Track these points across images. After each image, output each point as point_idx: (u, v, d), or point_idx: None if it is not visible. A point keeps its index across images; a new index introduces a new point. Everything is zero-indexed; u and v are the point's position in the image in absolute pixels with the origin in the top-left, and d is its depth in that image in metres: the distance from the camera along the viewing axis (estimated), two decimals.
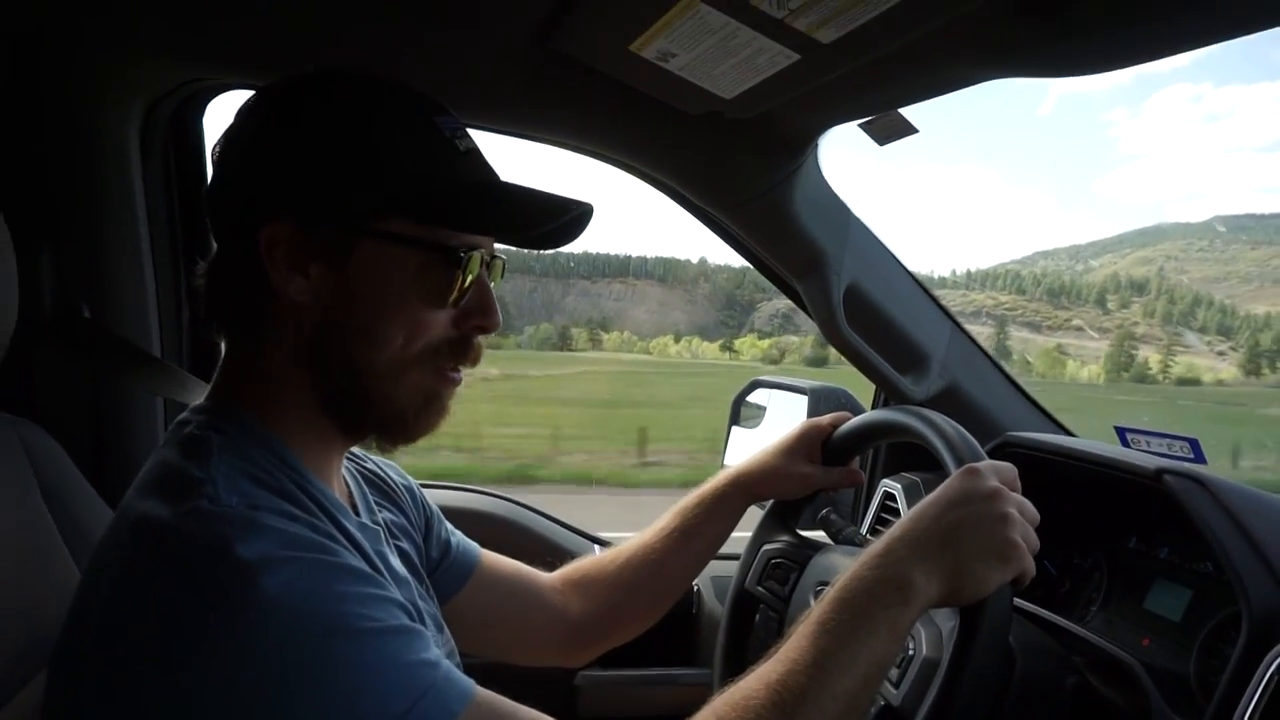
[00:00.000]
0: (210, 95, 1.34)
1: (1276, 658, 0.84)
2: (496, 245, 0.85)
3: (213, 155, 0.81)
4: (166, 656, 0.59)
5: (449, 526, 1.11)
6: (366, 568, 0.69)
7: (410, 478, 1.07)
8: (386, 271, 0.75)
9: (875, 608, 0.76)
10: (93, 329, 1.23)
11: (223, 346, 0.81)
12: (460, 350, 0.81)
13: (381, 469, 1.03)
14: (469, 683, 0.66)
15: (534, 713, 0.68)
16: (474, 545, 1.14)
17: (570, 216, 0.80)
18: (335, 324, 0.76)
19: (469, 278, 0.78)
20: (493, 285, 0.83)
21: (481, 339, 0.82)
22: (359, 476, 0.96)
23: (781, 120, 1.19)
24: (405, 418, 0.80)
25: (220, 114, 1.39)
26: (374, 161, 0.75)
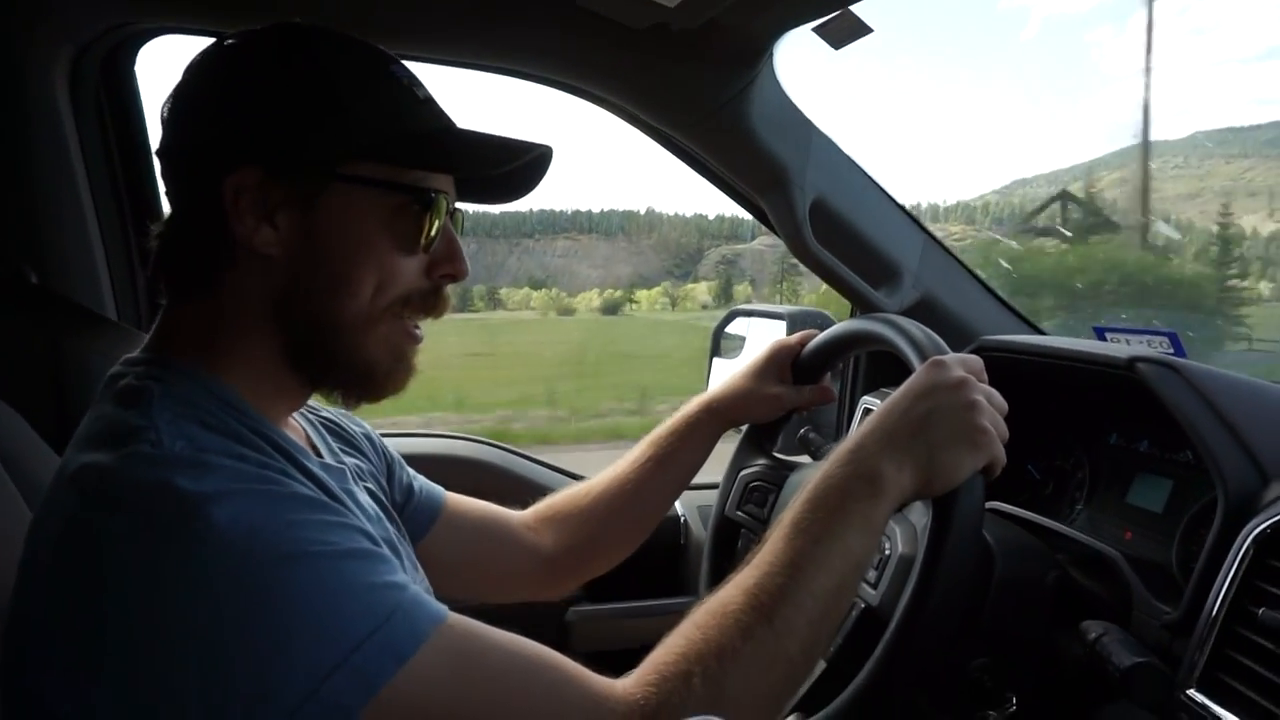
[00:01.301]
0: (140, 41, 1.29)
1: (1250, 533, 0.83)
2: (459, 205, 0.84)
3: (163, 112, 0.78)
4: (118, 598, 0.58)
5: (410, 471, 1.09)
6: (324, 497, 0.68)
7: (366, 424, 1.06)
8: (357, 216, 0.74)
9: (848, 503, 0.75)
10: (43, 295, 1.21)
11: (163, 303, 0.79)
12: (429, 300, 0.80)
13: (336, 418, 1.01)
14: (440, 606, 0.65)
15: (510, 635, 0.67)
16: (438, 488, 1.12)
17: (532, 156, 0.79)
18: (304, 274, 0.73)
19: (437, 222, 0.77)
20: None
21: (450, 288, 0.81)
22: (315, 424, 0.94)
23: (731, 28, 1.15)
24: (374, 374, 0.78)
25: (151, 61, 1.34)
26: (339, 106, 0.73)
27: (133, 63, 1.32)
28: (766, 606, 0.70)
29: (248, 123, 0.73)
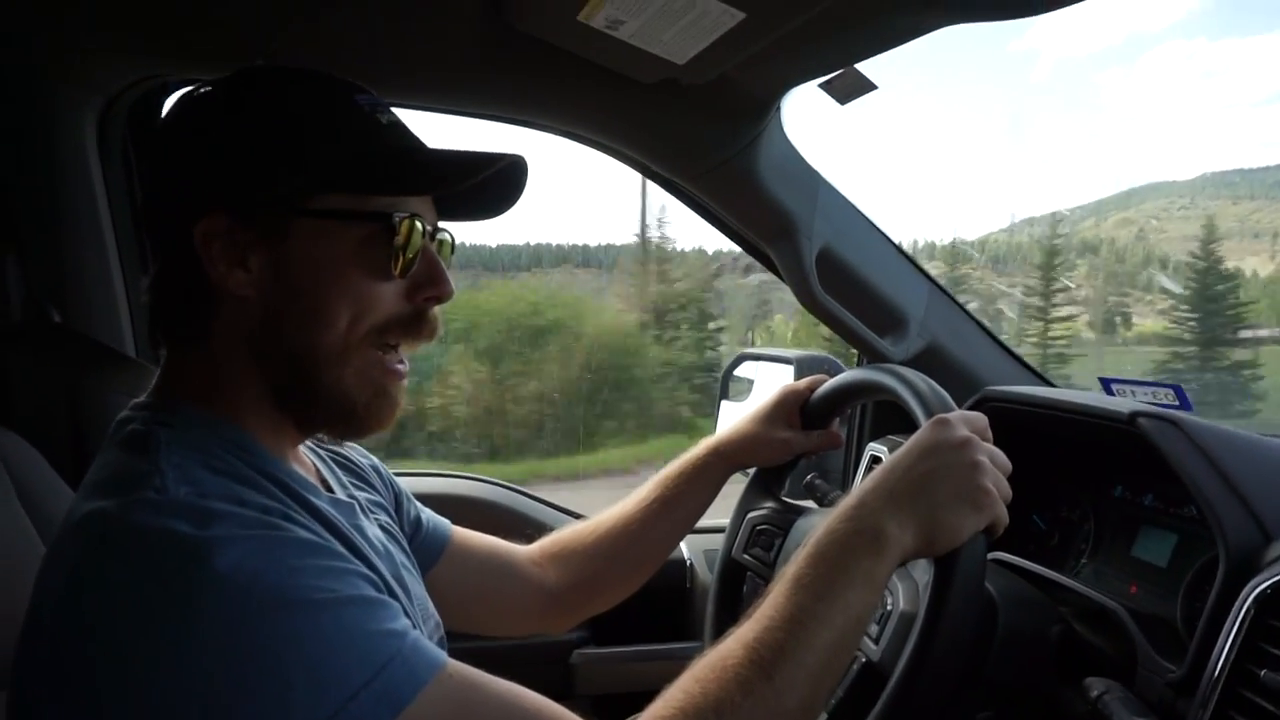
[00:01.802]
0: (167, 92, 1.33)
1: (1251, 592, 0.82)
2: (448, 225, 0.85)
3: (141, 170, 0.80)
4: (119, 646, 0.59)
5: (417, 504, 1.10)
6: (327, 540, 0.68)
7: (373, 457, 1.07)
8: (326, 249, 0.74)
9: (849, 559, 0.75)
10: (63, 333, 1.23)
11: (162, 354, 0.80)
12: (414, 325, 0.79)
13: (345, 451, 1.02)
14: (439, 653, 0.65)
15: (509, 685, 0.67)
16: (445, 522, 1.13)
17: (500, 166, 0.79)
18: (279, 312, 0.74)
19: (412, 246, 0.77)
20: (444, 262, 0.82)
21: (436, 311, 0.81)
22: (325, 458, 0.96)
23: (739, 84, 1.18)
24: (354, 408, 0.78)
25: None
26: (297, 142, 0.74)
27: (159, 110, 1.36)
28: (766, 661, 0.69)
29: (210, 169, 0.74)
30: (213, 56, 1.19)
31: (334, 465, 0.96)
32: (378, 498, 1.00)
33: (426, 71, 1.20)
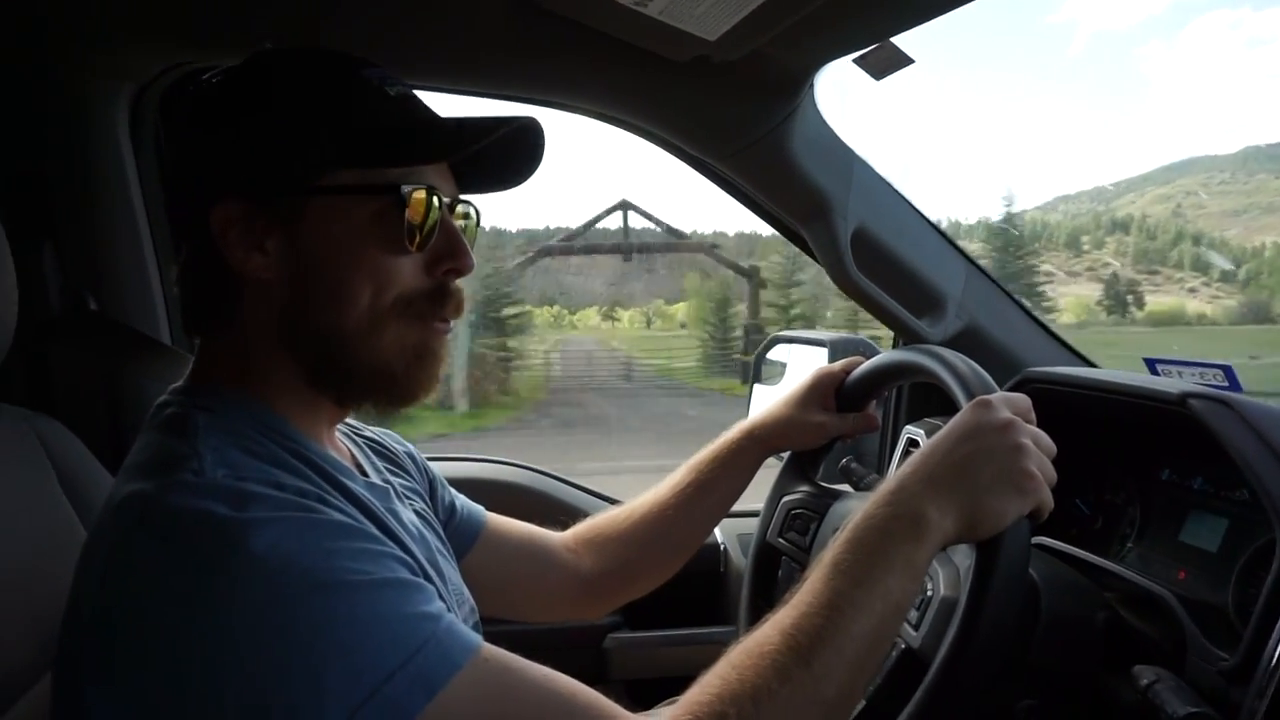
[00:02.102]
0: (197, 78, 1.33)
1: None
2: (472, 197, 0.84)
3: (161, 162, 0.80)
4: (156, 626, 0.59)
5: (451, 490, 1.11)
6: (362, 523, 0.68)
7: (409, 444, 1.07)
8: (340, 225, 0.74)
9: (889, 545, 0.73)
10: (100, 321, 1.25)
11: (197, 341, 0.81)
12: (437, 299, 0.78)
13: (380, 437, 1.02)
14: (474, 636, 0.65)
15: (544, 669, 0.67)
16: (479, 508, 1.13)
17: (510, 129, 0.77)
18: (301, 293, 0.74)
19: (428, 218, 0.76)
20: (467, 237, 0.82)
21: (459, 284, 0.80)
22: (361, 444, 0.96)
23: (772, 60, 1.15)
24: (394, 374, 0.77)
25: None
26: (303, 121, 0.74)
27: None
28: (804, 648, 0.68)
29: (221, 155, 0.74)
30: (242, 43, 1.18)
31: (369, 451, 0.96)
32: (413, 483, 1.00)
33: (452, 52, 1.19)
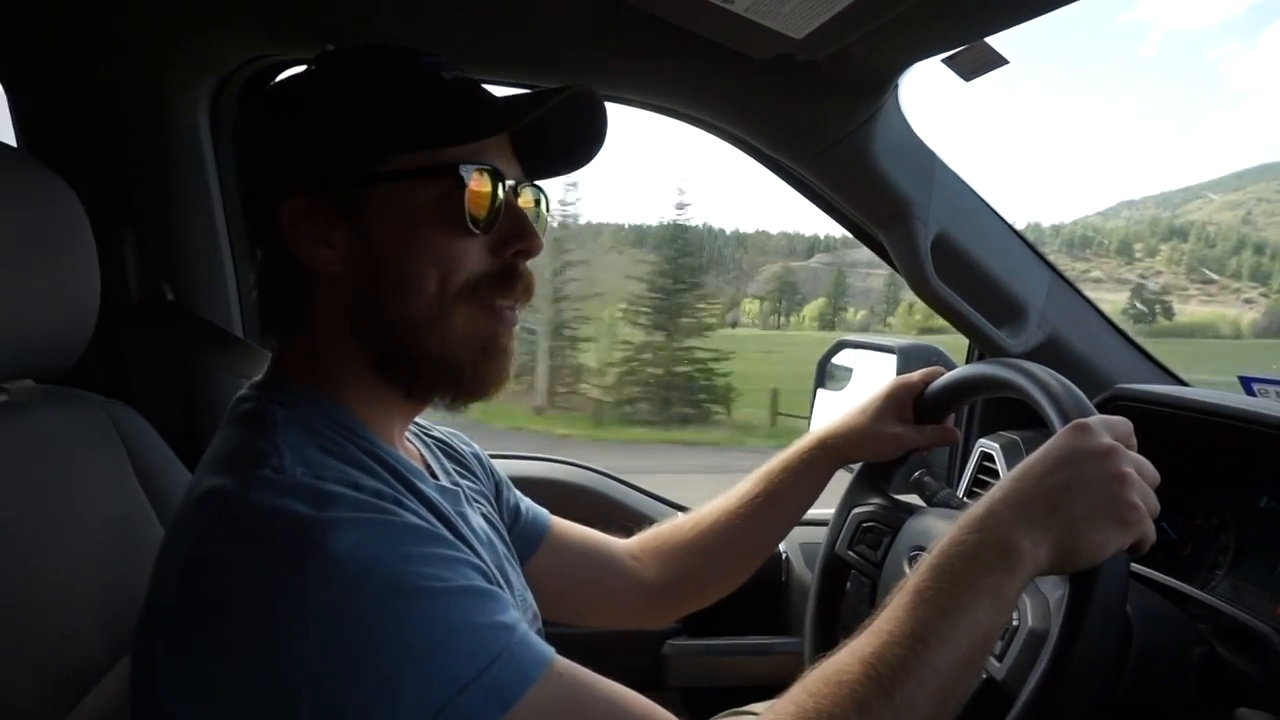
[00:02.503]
0: (277, 71, 1.34)
1: None
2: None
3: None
4: (234, 623, 0.59)
5: (518, 493, 1.10)
6: (437, 528, 0.67)
7: (476, 445, 1.06)
8: (402, 211, 0.73)
9: (978, 574, 0.70)
10: (177, 311, 1.26)
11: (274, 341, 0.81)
12: (505, 280, 0.77)
13: (447, 438, 1.02)
14: (547, 649, 0.64)
15: (616, 686, 0.65)
16: (544, 512, 1.13)
17: (564, 98, 0.75)
18: (369, 284, 0.74)
19: (494, 199, 0.75)
20: (537, 222, 0.81)
21: (528, 265, 0.79)
22: (430, 445, 0.96)
23: (858, 59, 1.11)
24: (462, 368, 0.76)
25: None
26: (359, 109, 0.74)
27: None
28: (885, 679, 0.65)
29: (284, 152, 0.75)
30: (322, 36, 1.18)
31: (438, 452, 0.96)
32: (479, 486, 1.00)
33: (531, 48, 1.18)
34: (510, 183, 0.77)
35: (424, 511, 0.71)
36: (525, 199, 0.81)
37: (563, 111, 0.76)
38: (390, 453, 0.75)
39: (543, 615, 0.95)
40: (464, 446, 1.04)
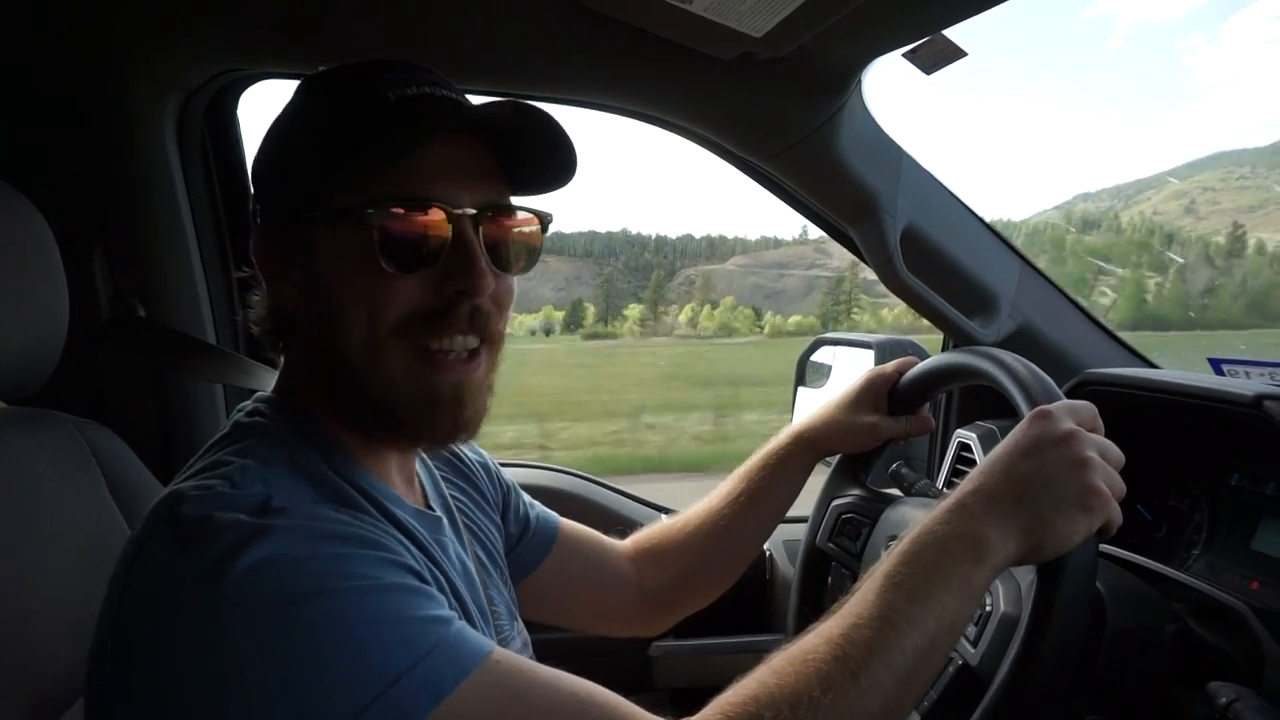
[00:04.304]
0: (242, 86, 1.34)
1: None
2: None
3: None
4: (169, 624, 0.59)
5: (527, 500, 1.10)
6: (381, 537, 0.66)
7: (485, 454, 1.06)
8: (344, 249, 0.71)
9: (947, 563, 0.71)
10: (149, 326, 1.26)
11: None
12: (436, 321, 0.72)
13: (455, 448, 1.01)
14: (487, 642, 0.64)
15: (555, 671, 0.65)
16: (554, 515, 1.13)
17: (523, 118, 0.72)
18: (315, 322, 0.74)
19: (425, 235, 0.70)
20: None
21: (470, 306, 0.73)
22: (429, 463, 0.95)
23: (819, 56, 1.13)
24: (405, 419, 0.74)
25: (253, 105, 1.39)
26: (301, 147, 0.74)
27: (235, 106, 1.38)
28: (851, 659, 0.66)
29: (249, 190, 0.78)
30: (285, 51, 1.19)
31: (443, 463, 0.97)
32: (481, 494, 1.00)
33: (496, 54, 1.19)
34: (469, 211, 0.72)
35: (390, 530, 0.70)
36: (499, 224, 0.76)
37: (523, 124, 0.73)
38: (367, 478, 0.75)
39: (545, 621, 0.95)
40: (472, 455, 1.04)
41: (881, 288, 1.41)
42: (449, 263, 0.72)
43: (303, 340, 0.76)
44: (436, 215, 0.71)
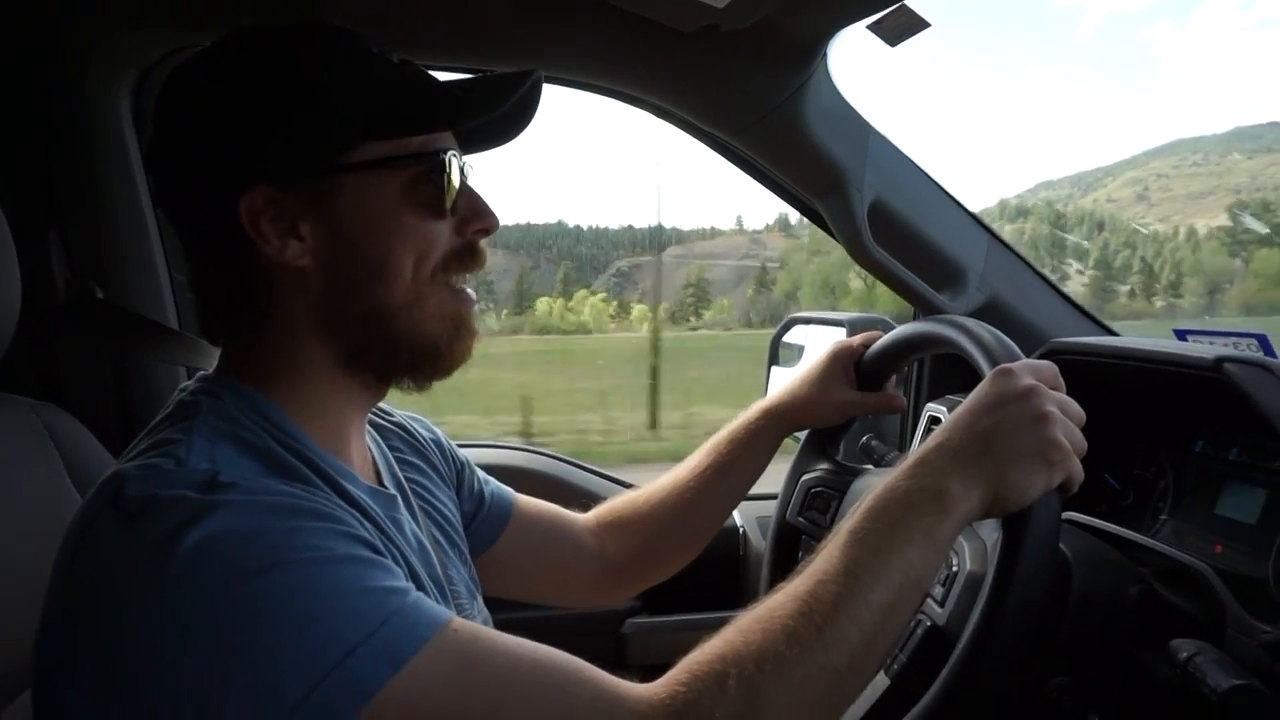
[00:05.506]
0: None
1: None
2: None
3: (148, 157, 0.78)
4: (115, 604, 0.58)
5: (482, 476, 1.09)
6: (331, 509, 0.66)
7: (438, 430, 1.05)
8: (375, 200, 0.73)
9: (910, 516, 0.71)
10: (107, 308, 1.23)
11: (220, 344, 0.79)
12: (467, 257, 0.79)
13: (406, 424, 1.00)
14: (444, 611, 0.63)
15: (515, 638, 0.65)
16: (509, 490, 1.12)
17: (527, 86, 0.76)
18: (343, 273, 0.73)
19: (455, 181, 0.76)
20: None
21: (484, 243, 0.81)
22: (384, 433, 0.95)
23: (783, 27, 1.12)
24: (439, 349, 0.78)
25: None
26: (321, 98, 0.71)
27: None
28: (817, 614, 0.66)
29: (239, 143, 0.71)
30: (245, 23, 1.17)
31: (395, 440, 0.95)
32: (434, 471, 0.99)
33: (457, 28, 1.17)
34: (466, 163, 0.79)
35: (342, 505, 0.69)
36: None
37: (510, 94, 0.76)
38: (319, 453, 0.73)
39: (505, 596, 0.95)
40: (424, 431, 1.02)
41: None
42: (463, 208, 0.78)
43: (304, 296, 0.74)
44: (456, 164, 0.77)
